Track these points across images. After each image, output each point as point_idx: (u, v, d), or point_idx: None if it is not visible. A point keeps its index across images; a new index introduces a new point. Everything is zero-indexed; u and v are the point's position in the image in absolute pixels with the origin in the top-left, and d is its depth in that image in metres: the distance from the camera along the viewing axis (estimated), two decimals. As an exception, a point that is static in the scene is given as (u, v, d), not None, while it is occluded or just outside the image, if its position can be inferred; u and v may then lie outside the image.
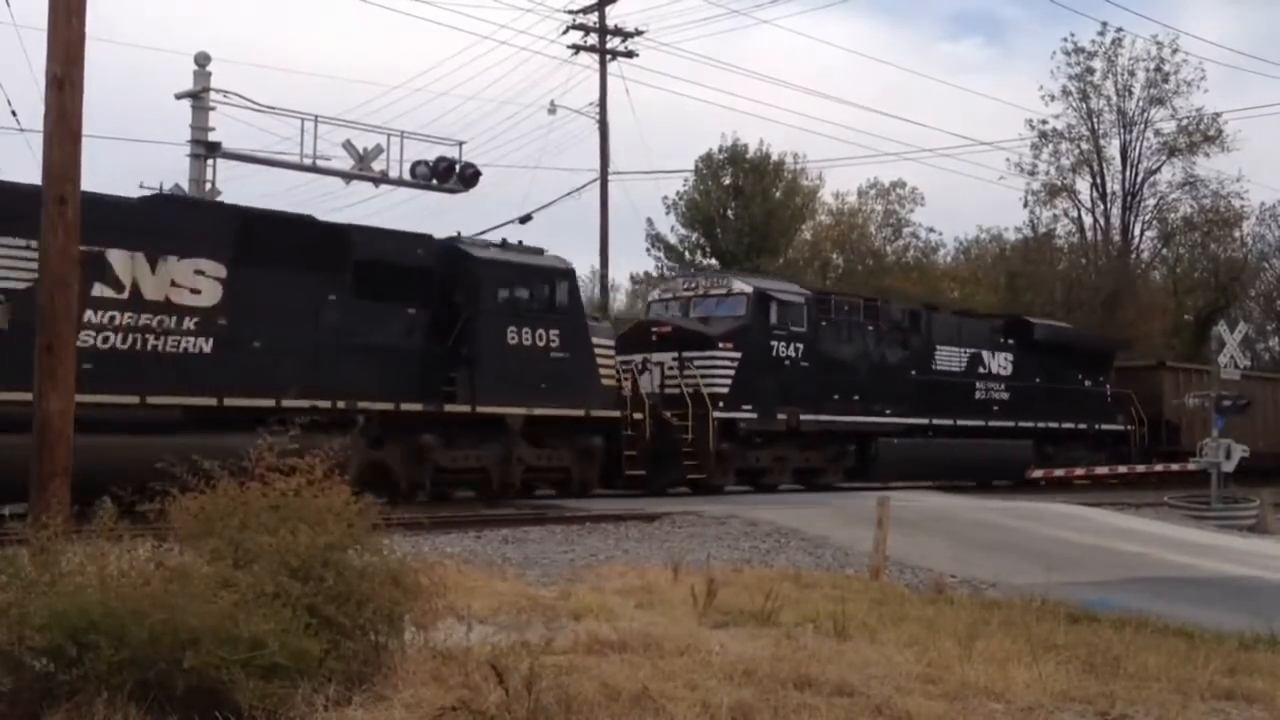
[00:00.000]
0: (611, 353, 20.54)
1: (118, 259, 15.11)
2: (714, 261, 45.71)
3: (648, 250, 47.74)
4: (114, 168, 42.02)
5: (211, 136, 22.10)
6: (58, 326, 8.20)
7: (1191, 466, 26.19)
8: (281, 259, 16.40)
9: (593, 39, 34.60)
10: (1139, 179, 50.28)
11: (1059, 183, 50.27)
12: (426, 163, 24.03)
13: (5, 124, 53.32)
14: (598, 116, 34.16)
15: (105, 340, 14.94)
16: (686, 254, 47.25)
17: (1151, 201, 51.04)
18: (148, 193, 19.61)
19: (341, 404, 16.73)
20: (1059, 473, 28.33)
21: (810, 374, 23.49)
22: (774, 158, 46.62)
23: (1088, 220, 51.42)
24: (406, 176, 24.05)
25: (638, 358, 21.93)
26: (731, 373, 22.11)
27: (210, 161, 22.06)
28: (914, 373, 26.03)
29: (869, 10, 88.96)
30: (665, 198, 47.69)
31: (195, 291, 15.75)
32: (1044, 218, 50.95)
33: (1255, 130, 78.55)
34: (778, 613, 8.15)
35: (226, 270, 15.96)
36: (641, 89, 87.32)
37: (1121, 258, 50.13)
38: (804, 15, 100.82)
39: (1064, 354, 29.87)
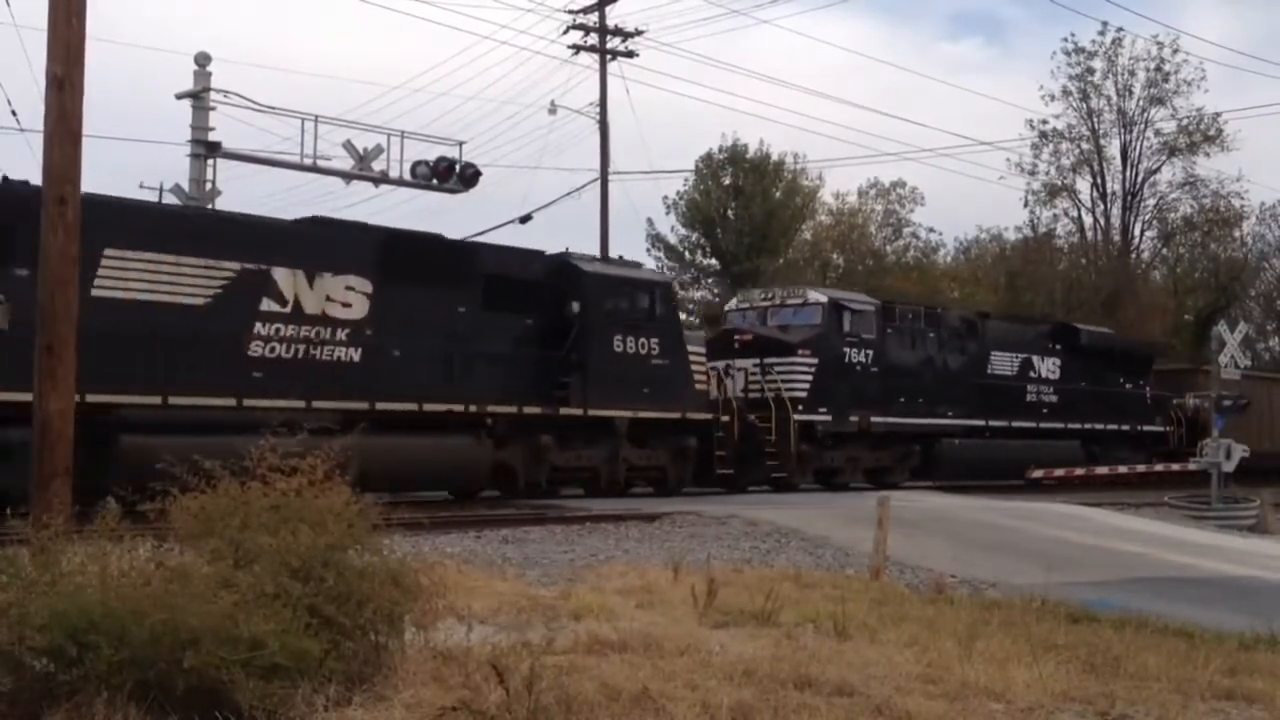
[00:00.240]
0: (703, 359, 21.88)
1: (281, 276, 16.46)
2: (714, 262, 45.77)
3: (648, 250, 47.76)
4: (114, 168, 42.03)
5: (212, 136, 22.11)
6: (58, 326, 8.19)
7: (1192, 466, 26.23)
8: (419, 275, 17.73)
9: (593, 39, 34.56)
10: (1139, 179, 50.36)
11: (1059, 183, 50.35)
12: (427, 163, 24.05)
13: (5, 124, 53.38)
14: (598, 116, 34.12)
15: (272, 350, 16.31)
16: (686, 254, 47.28)
17: (1151, 201, 51.14)
18: (148, 193, 19.68)
19: (473, 407, 18.11)
20: (1059, 472, 28.43)
21: (879, 378, 24.95)
22: (774, 158, 46.73)
23: (1088, 220, 51.53)
24: (407, 176, 24.08)
25: (721, 363, 22.96)
26: (809, 378, 23.57)
27: (210, 161, 22.08)
28: (972, 377, 27.39)
29: (869, 10, 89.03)
30: (665, 198, 47.81)
31: (346, 305, 17.10)
32: (1044, 218, 51.09)
33: (1255, 130, 78.87)
34: (778, 613, 8.15)
35: (372, 285, 17.28)
36: (641, 89, 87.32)
37: (1121, 258, 50.15)
38: (804, 15, 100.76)
39: (1107, 358, 31.20)
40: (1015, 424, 28.05)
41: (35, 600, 5.18)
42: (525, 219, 31.36)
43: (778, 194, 46.64)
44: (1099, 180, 50.51)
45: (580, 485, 20.48)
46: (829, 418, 23.75)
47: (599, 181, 34.17)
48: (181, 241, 15.72)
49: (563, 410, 19.24)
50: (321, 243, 17.28)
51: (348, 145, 23.36)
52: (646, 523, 15.59)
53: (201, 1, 72.25)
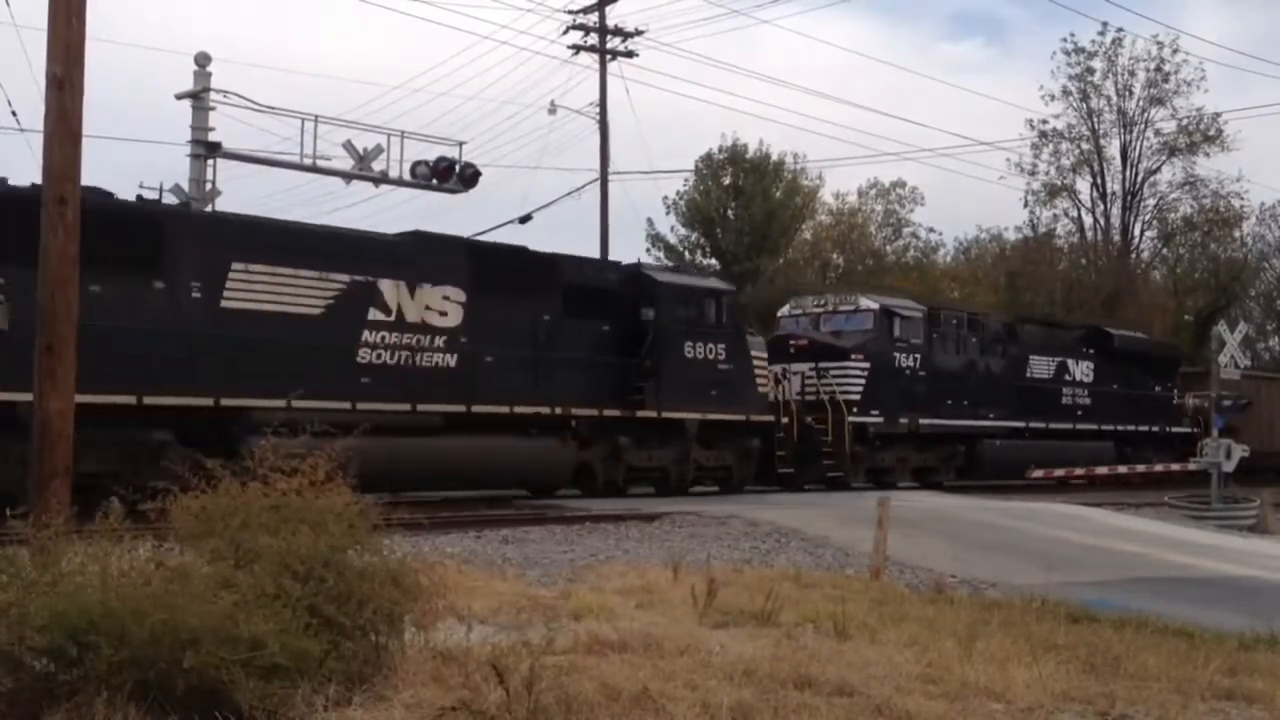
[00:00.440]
0: (765, 363, 22.78)
1: (386, 287, 17.49)
2: (714, 262, 45.72)
3: (648, 250, 47.62)
4: (114, 168, 41.92)
5: (211, 136, 22.08)
6: (58, 326, 8.18)
7: (1192, 466, 26.25)
8: (507, 285, 18.78)
9: (593, 39, 34.54)
10: (1139, 179, 50.36)
11: (1059, 183, 50.35)
12: (426, 163, 24.03)
13: (5, 124, 53.38)
14: (598, 116, 34.10)
15: (379, 357, 17.34)
16: (686, 254, 47.23)
17: (1151, 201, 51.14)
18: (148, 193, 19.64)
19: (559, 410, 19.13)
20: (1059, 472, 28.47)
21: (926, 382, 26.08)
22: (774, 158, 46.62)
23: (1088, 220, 51.53)
24: (406, 176, 24.05)
25: (778, 367, 23.76)
26: (863, 381, 24.62)
27: (210, 161, 22.06)
28: (1011, 380, 28.36)
29: (869, 10, 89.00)
30: (665, 198, 47.69)
31: (443, 314, 18.12)
32: (1044, 218, 51.09)
33: (1255, 130, 78.83)
34: (778, 613, 8.15)
35: (466, 295, 18.28)
36: (641, 89, 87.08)
37: (1121, 258, 50.14)
38: (804, 15, 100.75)
39: (1138, 361, 32.13)
40: (1053, 425, 29.02)
41: (35, 600, 5.17)
42: (525, 219, 31.37)
43: (778, 194, 46.57)
44: (1099, 180, 50.56)
45: (651, 484, 21.46)
46: (880, 419, 24.76)
47: (599, 181, 34.17)
48: (297, 255, 16.72)
49: (638, 413, 20.32)
50: (421, 255, 18.24)
51: (348, 145, 23.34)
52: (646, 523, 15.61)
53: (201, 2, 72.32)
